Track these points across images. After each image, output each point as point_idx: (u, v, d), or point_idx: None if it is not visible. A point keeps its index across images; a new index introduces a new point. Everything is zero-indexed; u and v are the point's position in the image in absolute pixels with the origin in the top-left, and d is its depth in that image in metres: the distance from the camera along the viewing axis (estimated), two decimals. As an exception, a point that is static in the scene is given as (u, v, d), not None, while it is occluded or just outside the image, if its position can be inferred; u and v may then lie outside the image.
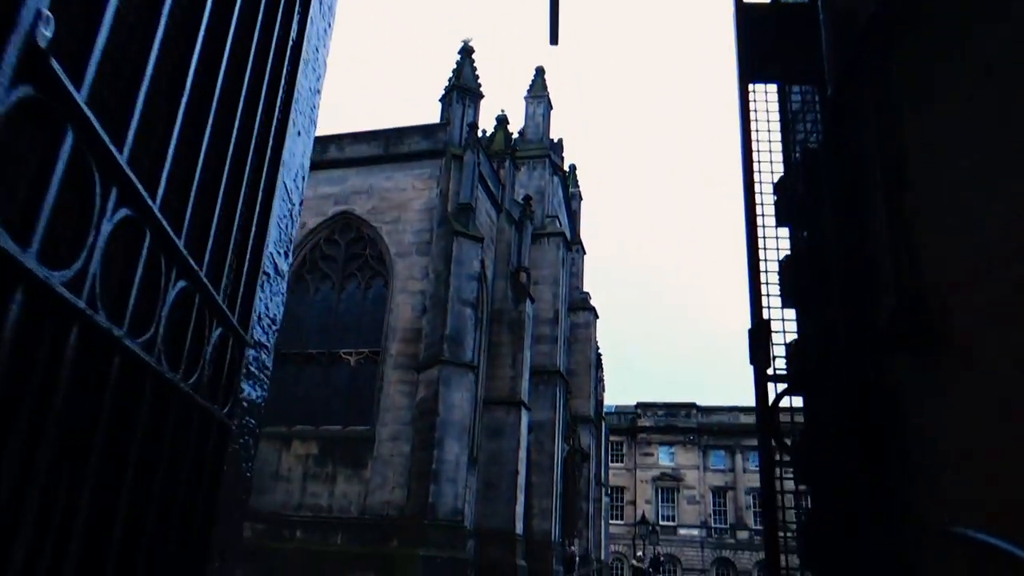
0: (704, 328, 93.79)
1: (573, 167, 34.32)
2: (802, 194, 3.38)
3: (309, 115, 2.73)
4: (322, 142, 20.82)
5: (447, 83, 20.38)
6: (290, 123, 2.47)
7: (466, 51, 20.61)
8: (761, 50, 3.44)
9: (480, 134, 23.52)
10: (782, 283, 3.34)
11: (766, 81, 3.50)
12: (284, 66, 2.38)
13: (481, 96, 20.64)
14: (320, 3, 2.75)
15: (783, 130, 3.60)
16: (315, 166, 20.15)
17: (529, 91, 29.32)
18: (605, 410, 37.42)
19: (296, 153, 2.63)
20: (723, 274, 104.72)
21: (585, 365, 28.64)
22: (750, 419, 48.08)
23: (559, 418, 23.52)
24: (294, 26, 2.43)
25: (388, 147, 20.13)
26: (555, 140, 29.82)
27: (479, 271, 18.50)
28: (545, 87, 29.70)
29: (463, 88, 20.17)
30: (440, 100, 20.44)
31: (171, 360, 1.65)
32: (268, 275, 2.47)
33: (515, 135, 27.49)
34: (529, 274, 22.19)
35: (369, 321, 18.79)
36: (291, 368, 18.73)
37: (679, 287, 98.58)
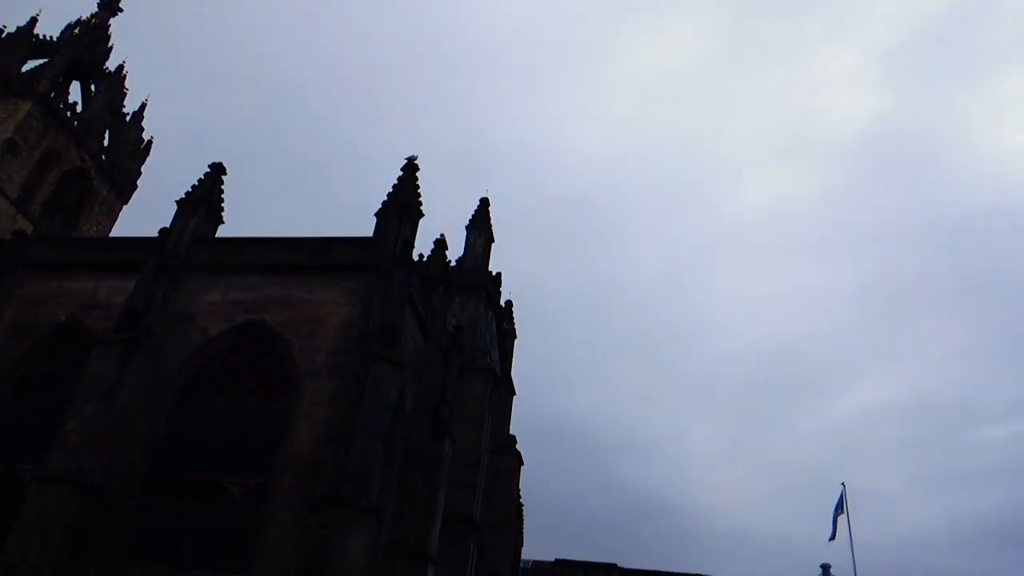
0: (633, 483, 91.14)
1: (509, 303, 33.19)
2: None
3: None
4: (241, 243, 19.19)
5: (385, 197, 19.20)
6: None
7: (410, 167, 19.66)
8: None
9: (417, 258, 22.27)
10: None
11: None
12: None
13: (420, 215, 19.51)
14: None
15: None
16: (228, 269, 18.40)
17: (471, 221, 28.55)
18: (521, 566, 34.38)
19: None
20: (655, 429, 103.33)
21: (504, 515, 26.13)
22: (674, 586, 45.14)
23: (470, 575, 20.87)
24: None
25: (313, 257, 18.55)
26: (493, 273, 28.80)
27: (397, 400, 16.54)
28: (488, 219, 29.02)
29: (402, 204, 19.02)
30: (376, 214, 19.15)
31: None
32: None
33: (452, 263, 26.33)
34: (452, 410, 20.27)
35: (264, 448, 16.39)
36: (162, 495, 16.00)
37: (610, 438, 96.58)
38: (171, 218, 19.66)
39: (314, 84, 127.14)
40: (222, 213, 20.64)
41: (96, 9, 45.06)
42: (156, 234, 19.32)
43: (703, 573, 37.77)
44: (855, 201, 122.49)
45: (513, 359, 32.00)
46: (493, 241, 28.70)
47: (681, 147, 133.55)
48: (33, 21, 41.87)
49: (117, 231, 40.90)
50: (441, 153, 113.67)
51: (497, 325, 29.57)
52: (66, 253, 20.39)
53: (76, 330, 18.58)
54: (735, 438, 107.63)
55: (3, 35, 40.85)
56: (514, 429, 28.44)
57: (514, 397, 30.21)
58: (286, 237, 19.04)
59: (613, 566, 43.93)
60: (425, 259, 23.73)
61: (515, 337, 33.01)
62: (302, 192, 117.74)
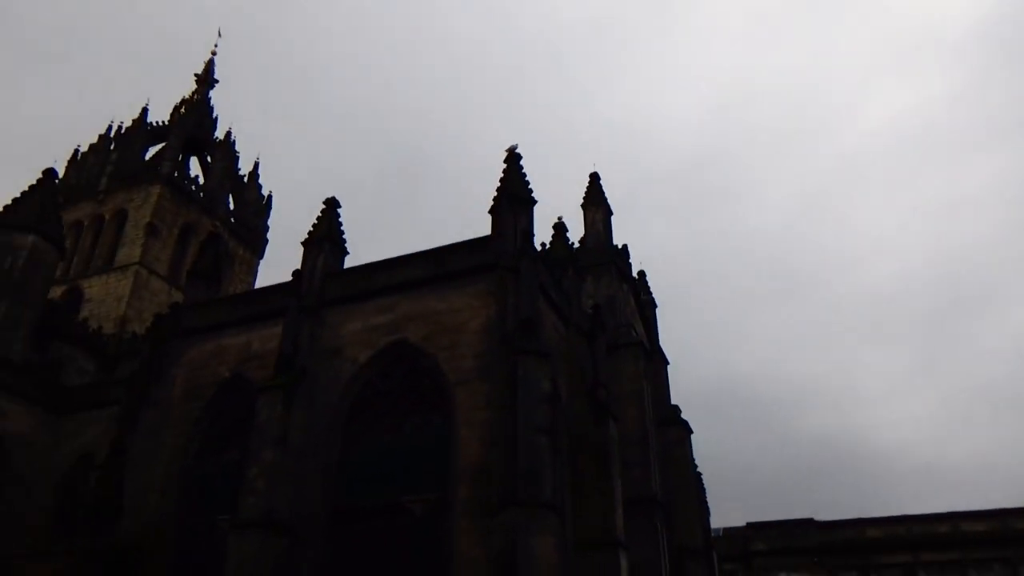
0: (812, 433, 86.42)
1: (642, 273, 32.18)
2: None
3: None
4: (368, 270, 19.47)
5: (495, 192, 18.92)
6: None
7: (512, 157, 19.29)
8: None
9: (540, 246, 21.90)
10: None
11: None
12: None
13: (533, 202, 19.08)
14: None
15: None
16: (362, 296, 18.69)
17: (585, 198, 27.88)
18: (713, 535, 33.29)
19: None
20: (824, 374, 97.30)
21: (683, 488, 25.26)
22: (878, 531, 42.49)
23: (664, 555, 20.23)
24: None
25: (439, 266, 18.53)
26: (619, 246, 27.98)
27: (550, 392, 16.18)
28: (602, 193, 28.23)
29: (512, 195, 18.67)
30: (490, 211, 18.92)
31: None
32: None
33: (575, 244, 25.78)
34: (608, 390, 19.70)
35: (433, 461, 16.51)
36: (347, 524, 16.44)
37: (779, 392, 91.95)
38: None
39: (401, 89, 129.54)
40: (345, 244, 21.10)
41: (195, 85, 48.02)
42: (290, 278, 19.99)
43: (909, 514, 35.30)
44: (989, 92, 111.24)
45: (658, 328, 31.00)
46: (612, 214, 27.89)
47: (787, 85, 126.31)
48: (144, 111, 45.08)
49: (260, 284, 43.28)
50: (545, 135, 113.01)
51: (634, 298, 28.73)
52: (216, 314, 21.48)
53: (240, 383, 19.49)
54: (912, 368, 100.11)
55: (122, 131, 44.22)
56: (675, 399, 27.49)
57: (668, 367, 29.21)
58: (410, 253, 19.12)
59: (810, 521, 41.94)
60: (547, 246, 23.33)
61: (655, 306, 31.98)
62: (417, 204, 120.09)
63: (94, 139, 44.43)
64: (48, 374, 26.73)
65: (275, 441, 16.87)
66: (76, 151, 43.84)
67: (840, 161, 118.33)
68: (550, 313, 18.96)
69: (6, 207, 28.73)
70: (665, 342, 30.58)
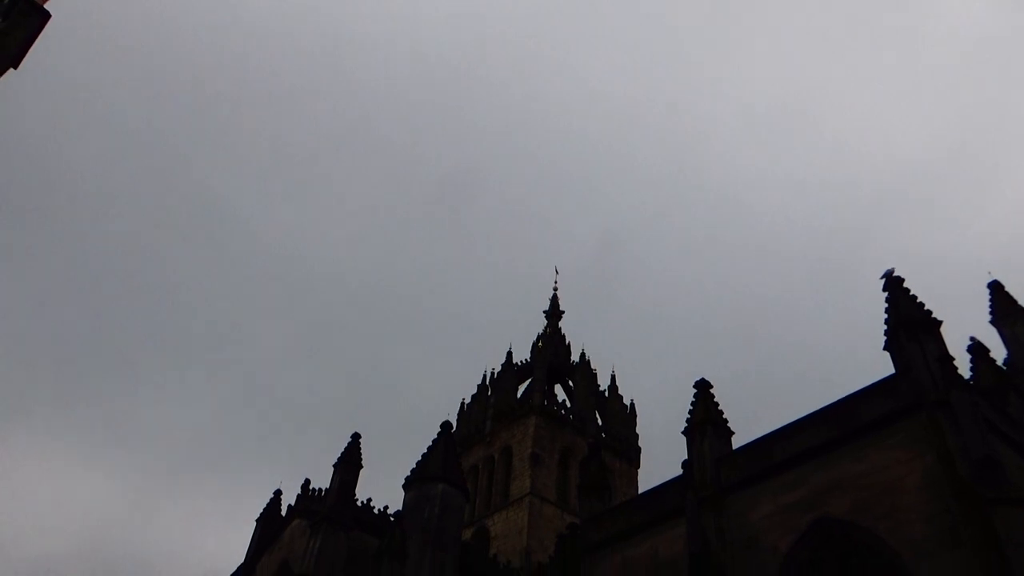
0: None
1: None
2: None
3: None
4: (763, 444, 17.55)
5: (884, 324, 16.39)
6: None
7: (893, 281, 16.82)
8: None
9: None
10: None
11: None
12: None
13: (937, 323, 16.15)
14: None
15: None
16: (764, 474, 16.77)
17: (993, 312, 23.27)
18: None
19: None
20: None
21: None
22: None
23: None
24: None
25: (844, 424, 16.02)
26: (1060, 359, 22.39)
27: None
28: (1014, 301, 23.43)
29: (909, 322, 15.97)
30: (885, 347, 16.35)
31: None
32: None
33: (1001, 366, 21.13)
34: None
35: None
36: None
37: None
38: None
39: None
40: (728, 425, 19.55)
41: (545, 320, 52.33)
42: (679, 472, 18.77)
43: None
44: None
45: None
46: (1035, 322, 22.77)
47: None
48: (509, 355, 49.67)
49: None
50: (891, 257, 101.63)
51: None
52: (615, 524, 20.70)
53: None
54: None
55: (495, 376, 48.90)
56: None
57: None
58: (806, 416, 16.93)
59: None
60: (969, 375, 19.35)
61: None
62: (777, 365, 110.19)
63: (474, 390, 49.62)
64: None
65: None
66: (462, 403, 49.15)
67: None
68: (1008, 451, 15.01)
69: (418, 463, 32.29)
70: None
